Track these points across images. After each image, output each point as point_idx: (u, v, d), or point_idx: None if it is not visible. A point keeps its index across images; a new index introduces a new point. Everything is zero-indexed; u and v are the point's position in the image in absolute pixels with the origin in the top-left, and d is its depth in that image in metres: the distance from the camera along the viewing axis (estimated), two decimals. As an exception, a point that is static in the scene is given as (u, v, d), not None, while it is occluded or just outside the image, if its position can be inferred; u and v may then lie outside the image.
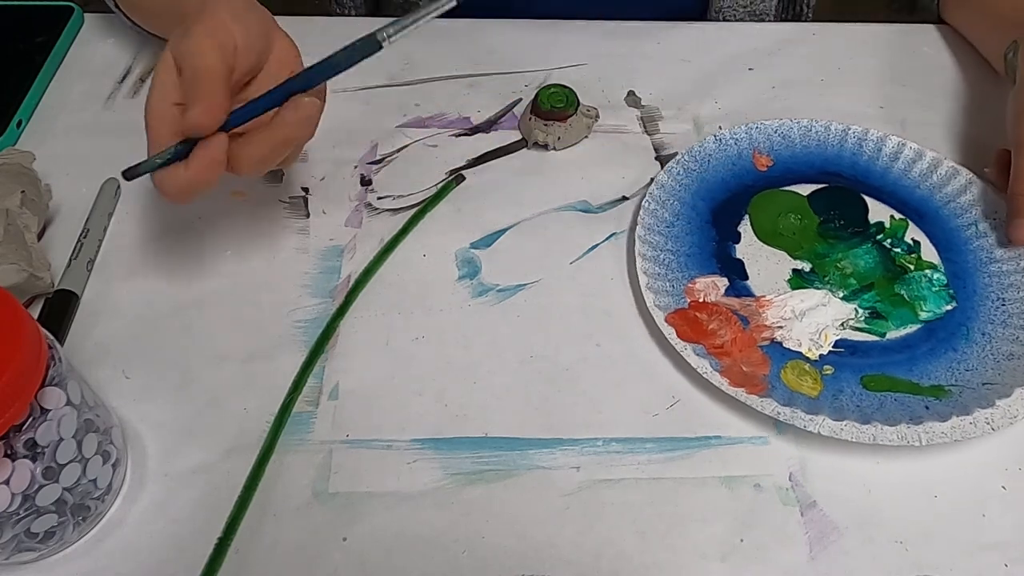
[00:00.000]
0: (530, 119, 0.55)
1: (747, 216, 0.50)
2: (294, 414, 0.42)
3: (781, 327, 0.45)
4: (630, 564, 0.38)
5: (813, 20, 0.69)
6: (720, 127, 0.55)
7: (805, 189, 0.52)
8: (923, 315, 0.46)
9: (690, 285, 0.46)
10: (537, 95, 0.55)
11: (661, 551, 0.38)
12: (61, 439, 0.33)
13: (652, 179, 0.50)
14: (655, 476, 0.40)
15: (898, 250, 0.49)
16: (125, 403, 0.42)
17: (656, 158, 0.55)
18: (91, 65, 0.60)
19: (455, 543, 0.38)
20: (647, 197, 0.48)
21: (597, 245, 0.50)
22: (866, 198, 0.52)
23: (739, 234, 0.49)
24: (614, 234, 0.51)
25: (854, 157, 0.54)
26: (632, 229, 0.46)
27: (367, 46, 0.39)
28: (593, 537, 0.38)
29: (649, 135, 0.57)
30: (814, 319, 0.45)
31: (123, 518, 0.38)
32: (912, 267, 0.49)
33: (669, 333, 0.43)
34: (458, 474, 0.40)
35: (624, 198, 0.53)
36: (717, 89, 0.60)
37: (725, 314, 0.45)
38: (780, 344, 0.44)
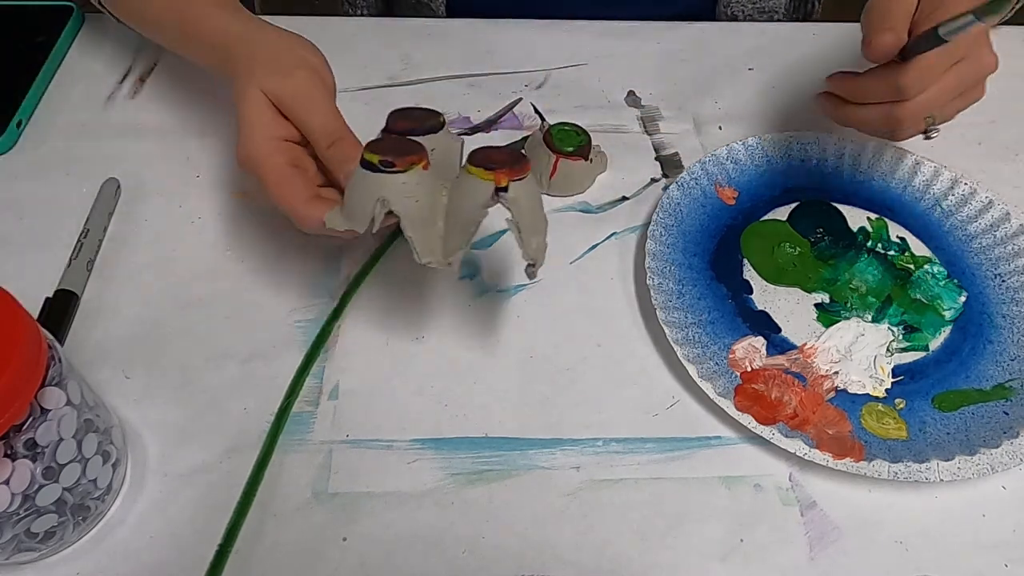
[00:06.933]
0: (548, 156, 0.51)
1: (745, 260, 0.49)
2: (294, 414, 0.42)
3: (837, 372, 0.44)
4: (630, 564, 0.38)
5: (822, 17, 0.69)
6: (704, 146, 0.55)
7: (781, 213, 0.51)
8: (947, 314, 0.47)
9: (731, 356, 0.44)
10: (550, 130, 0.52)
11: (661, 551, 0.38)
12: (61, 439, 0.33)
13: (645, 249, 0.47)
14: (655, 476, 0.40)
15: (892, 252, 0.49)
16: (125, 403, 0.42)
17: (656, 158, 0.55)
18: (91, 65, 0.60)
19: (455, 543, 0.38)
20: (648, 275, 0.45)
21: (597, 245, 0.50)
22: (836, 205, 0.52)
23: (748, 283, 0.48)
24: (614, 234, 0.51)
25: (804, 164, 0.54)
26: (653, 310, 0.44)
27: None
28: (593, 537, 0.38)
29: (649, 135, 0.57)
30: (861, 353, 0.45)
31: (123, 518, 0.38)
32: (912, 266, 0.49)
33: (748, 421, 0.40)
34: (458, 474, 0.40)
35: (624, 198, 0.53)
36: (717, 89, 0.60)
37: (779, 377, 0.43)
38: (845, 391, 0.43)
